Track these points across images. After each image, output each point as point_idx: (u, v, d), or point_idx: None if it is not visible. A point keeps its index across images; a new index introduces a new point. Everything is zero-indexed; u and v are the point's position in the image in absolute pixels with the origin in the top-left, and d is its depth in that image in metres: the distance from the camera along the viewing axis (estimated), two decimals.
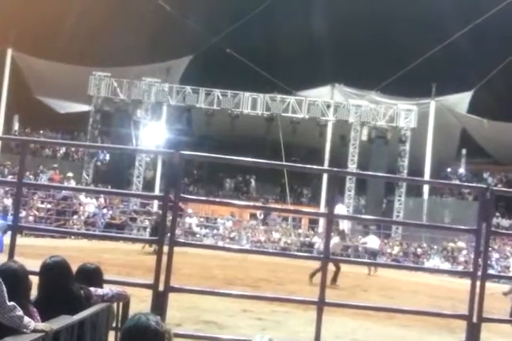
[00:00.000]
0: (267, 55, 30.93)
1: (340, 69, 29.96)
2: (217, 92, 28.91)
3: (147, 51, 28.80)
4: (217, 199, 16.94)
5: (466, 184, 10.67)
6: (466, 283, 5.28)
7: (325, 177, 28.79)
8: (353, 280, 15.01)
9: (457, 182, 30.38)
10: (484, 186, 5.16)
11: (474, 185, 10.63)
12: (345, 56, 30.28)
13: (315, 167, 5.70)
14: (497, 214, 29.44)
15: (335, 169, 6.15)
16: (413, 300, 11.68)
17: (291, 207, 26.08)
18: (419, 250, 24.28)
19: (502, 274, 17.17)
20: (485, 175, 33.86)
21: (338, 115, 29.17)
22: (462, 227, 5.91)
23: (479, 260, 5.05)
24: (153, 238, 5.62)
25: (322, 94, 31.01)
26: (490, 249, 24.16)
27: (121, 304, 4.25)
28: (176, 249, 4.78)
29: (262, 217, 27.92)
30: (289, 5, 30.69)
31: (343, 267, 13.33)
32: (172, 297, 4.71)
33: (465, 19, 27.88)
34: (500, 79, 28.25)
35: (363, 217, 17.28)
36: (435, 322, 8.63)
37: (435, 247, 24.52)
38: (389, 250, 24.51)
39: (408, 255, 23.88)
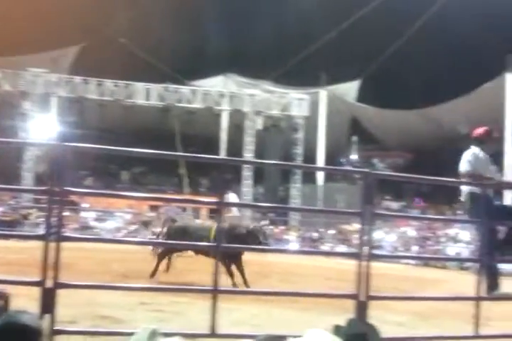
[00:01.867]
0: (159, 45, 30.51)
1: (232, 59, 30.14)
2: (108, 83, 28.20)
3: (33, 40, 27.50)
4: (107, 192, 16.41)
5: (349, 169, 11.05)
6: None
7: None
8: (255, 267, 15.22)
9: (350, 168, 31.61)
10: (366, 170, 5.36)
11: (356, 169, 11.07)
12: (237, 45, 30.48)
13: (206, 156, 5.72)
14: (387, 197, 30.94)
15: (225, 157, 6.21)
16: (312, 283, 12.00)
17: (188, 198, 26.06)
18: (315, 235, 25.02)
19: (388, 254, 18.05)
20: (374, 161, 35.43)
21: (232, 104, 29.35)
22: (348, 210, 6.14)
23: (364, 241, 5.29)
24: (38, 234, 5.41)
25: (216, 84, 31.07)
26: (381, 230, 25.32)
27: None
28: (72, 244, 4.64)
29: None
30: None
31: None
32: (66, 294, 4.57)
33: (352, 9, 28.75)
34: (386, 68, 29.52)
35: (259, 204, 17.56)
36: (332, 303, 8.93)
37: (329, 232, 25.35)
38: (285, 236, 25.11)
39: (305, 240, 24.53)
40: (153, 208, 28.37)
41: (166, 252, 12.17)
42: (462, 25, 28.66)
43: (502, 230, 6.90)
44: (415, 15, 27.50)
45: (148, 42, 29.97)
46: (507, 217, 6.39)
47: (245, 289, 6.64)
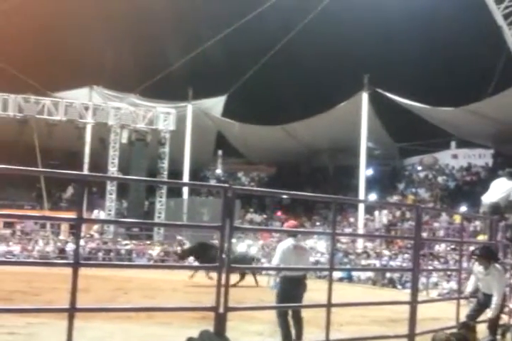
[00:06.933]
0: (20, 54, 29.14)
1: (98, 71, 29.54)
2: None
3: None
4: None
5: (209, 184, 11.25)
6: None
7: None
8: (116, 284, 14.98)
9: (215, 182, 32.03)
10: (226, 185, 5.52)
11: (216, 184, 11.27)
12: (102, 57, 29.96)
13: (64, 172, 5.58)
14: (251, 210, 31.70)
15: (83, 173, 6.12)
16: (172, 297, 12.04)
17: (49, 213, 25.05)
18: (179, 249, 24.92)
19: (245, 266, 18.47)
20: (239, 175, 36.23)
21: (97, 117, 28.68)
22: (208, 224, 6.25)
23: (224, 254, 5.43)
24: None
25: (80, 96, 30.21)
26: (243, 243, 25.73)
27: None
28: None
29: None
30: (41, 3, 29.28)
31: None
32: None
33: (220, 24, 29.27)
34: (250, 85, 30.36)
35: (121, 220, 17.25)
36: (193, 316, 9.02)
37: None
38: (150, 251, 24.84)
39: (170, 255, 24.35)
40: (9, 225, 26.99)
41: None
42: (322, 47, 30.38)
43: None
44: (280, 36, 28.61)
45: (7, 51, 28.52)
46: None
47: (103, 306, 6.53)
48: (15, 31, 28.59)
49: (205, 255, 16.27)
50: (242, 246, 27.64)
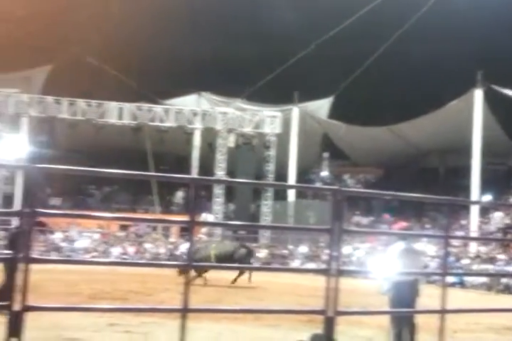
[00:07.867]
0: (132, 64, 30.55)
1: (206, 77, 30.30)
2: (80, 102, 28.15)
3: (2, 59, 27.34)
4: (79, 213, 16.30)
5: (319, 186, 11.21)
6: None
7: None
8: (223, 285, 15.27)
9: (320, 184, 31.82)
10: (335, 187, 5.46)
11: (326, 187, 11.17)
12: (210, 64, 30.70)
13: (176, 176, 5.74)
14: (357, 212, 31.20)
15: (194, 177, 6.28)
16: (279, 300, 12.07)
17: (160, 217, 26.02)
18: (285, 252, 25.01)
19: (357, 269, 18.05)
20: (345, 177, 35.79)
21: (205, 123, 29.46)
22: (317, 227, 6.21)
23: (333, 257, 5.36)
24: (7, 256, 5.36)
25: (189, 103, 31.16)
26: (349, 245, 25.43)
27: None
28: (40, 266, 4.62)
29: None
30: (151, 13, 30.53)
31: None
32: (33, 317, 4.54)
33: (324, 28, 29.14)
34: (356, 86, 29.92)
35: (229, 223, 17.58)
36: (300, 319, 9.00)
37: (300, 248, 25.43)
38: (257, 254, 25.14)
39: (275, 257, 24.51)
40: (124, 227, 28.26)
41: None
42: (431, 43, 29.39)
43: None
44: (386, 35, 28.02)
45: (120, 61, 30.00)
46: None
47: (214, 307, 6.66)
48: (128, 43, 30.06)
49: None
50: (348, 248, 27.24)
